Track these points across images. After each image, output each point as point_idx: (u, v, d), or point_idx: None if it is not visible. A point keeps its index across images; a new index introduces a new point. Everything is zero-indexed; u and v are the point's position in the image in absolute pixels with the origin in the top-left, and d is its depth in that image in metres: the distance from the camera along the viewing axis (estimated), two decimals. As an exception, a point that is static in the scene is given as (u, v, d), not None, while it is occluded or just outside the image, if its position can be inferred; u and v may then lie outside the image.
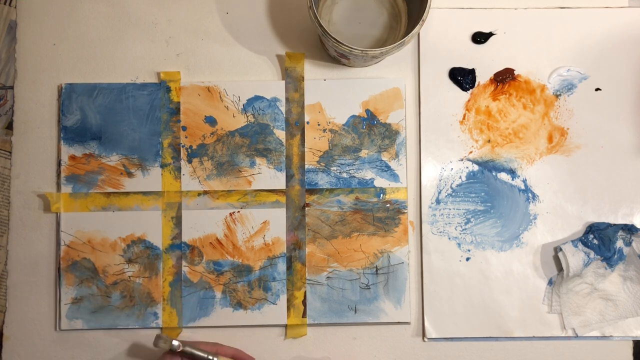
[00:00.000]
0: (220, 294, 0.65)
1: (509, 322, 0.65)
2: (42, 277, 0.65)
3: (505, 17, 0.67)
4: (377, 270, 0.65)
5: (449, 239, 0.65)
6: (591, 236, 0.64)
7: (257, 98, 0.66)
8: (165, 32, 0.67)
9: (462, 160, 0.66)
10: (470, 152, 0.66)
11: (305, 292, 0.65)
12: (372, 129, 0.66)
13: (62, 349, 0.65)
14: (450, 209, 0.66)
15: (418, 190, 0.66)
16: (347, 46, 0.58)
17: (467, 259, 0.65)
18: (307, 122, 0.66)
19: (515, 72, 0.66)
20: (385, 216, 0.65)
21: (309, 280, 0.65)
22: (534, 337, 0.65)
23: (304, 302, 0.65)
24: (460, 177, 0.66)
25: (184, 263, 0.65)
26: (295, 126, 0.66)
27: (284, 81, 0.66)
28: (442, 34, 0.67)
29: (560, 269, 0.65)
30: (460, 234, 0.65)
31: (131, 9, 0.67)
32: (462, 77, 0.66)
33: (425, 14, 0.58)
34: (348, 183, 0.65)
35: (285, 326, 0.65)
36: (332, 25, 0.65)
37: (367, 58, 0.60)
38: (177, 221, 0.65)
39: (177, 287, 0.65)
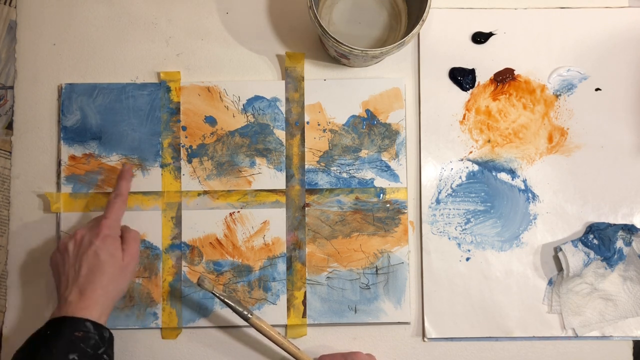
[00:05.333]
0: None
1: (509, 322, 0.65)
2: (42, 277, 0.65)
3: (505, 17, 0.67)
4: (377, 270, 0.65)
5: (449, 239, 0.65)
6: (591, 236, 0.64)
7: (257, 98, 0.66)
8: (165, 32, 0.67)
9: (462, 160, 0.66)
10: (470, 152, 0.66)
11: (305, 292, 0.65)
12: (372, 129, 0.66)
13: (62, 349, 0.64)
14: (450, 209, 0.66)
15: (418, 190, 0.66)
16: (347, 46, 0.58)
17: (467, 259, 0.65)
18: (307, 122, 0.66)
19: (515, 72, 0.66)
20: (385, 216, 0.65)
21: (309, 280, 0.65)
22: (534, 337, 0.65)
23: (304, 302, 0.65)
24: (460, 177, 0.66)
25: (183, 263, 0.65)
26: (295, 126, 0.66)
27: (284, 81, 0.66)
28: (442, 34, 0.67)
29: (560, 269, 0.65)
30: (460, 234, 0.65)
31: (131, 9, 0.67)
32: (462, 77, 0.66)
33: (425, 14, 0.58)
34: (348, 183, 0.65)
35: (285, 326, 0.65)
36: (332, 25, 0.65)
37: (367, 58, 0.60)
38: (177, 221, 0.65)
39: (177, 287, 0.65)
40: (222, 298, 0.59)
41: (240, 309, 0.59)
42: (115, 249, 0.58)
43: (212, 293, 0.59)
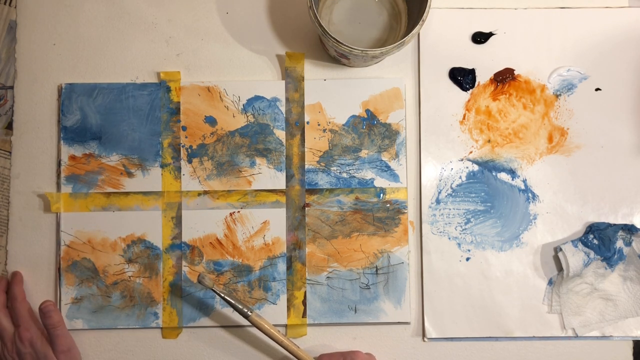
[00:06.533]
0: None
1: (509, 322, 0.65)
2: (42, 277, 0.65)
3: (505, 17, 0.67)
4: (377, 270, 0.65)
5: (449, 239, 0.65)
6: (591, 236, 0.64)
7: (257, 98, 0.66)
8: (165, 32, 0.67)
9: (462, 160, 0.66)
10: (470, 152, 0.66)
11: (305, 292, 0.65)
12: (372, 129, 0.66)
13: (62, 349, 0.65)
14: (450, 209, 0.66)
15: (418, 190, 0.66)
16: (347, 46, 0.58)
17: (467, 259, 0.65)
18: (307, 122, 0.66)
19: (515, 72, 0.66)
20: (385, 216, 0.65)
21: (309, 280, 0.65)
22: (534, 337, 0.65)
23: (304, 302, 0.65)
24: (460, 177, 0.66)
25: (184, 263, 0.65)
26: (295, 126, 0.66)
27: (284, 81, 0.66)
28: (442, 34, 0.67)
29: (560, 269, 0.65)
30: (460, 234, 0.65)
31: (131, 9, 0.67)
32: (462, 77, 0.66)
33: (425, 14, 0.58)
34: (348, 183, 0.65)
35: (286, 326, 0.65)
36: (332, 25, 0.65)
37: (367, 58, 0.60)
38: (177, 221, 0.65)
39: (177, 287, 0.65)
40: (222, 295, 0.59)
41: (240, 307, 0.60)
42: (45, 350, 0.61)
43: (212, 290, 0.59)
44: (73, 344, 0.63)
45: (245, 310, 0.60)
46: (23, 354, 0.61)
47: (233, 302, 0.60)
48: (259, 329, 0.60)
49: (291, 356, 0.62)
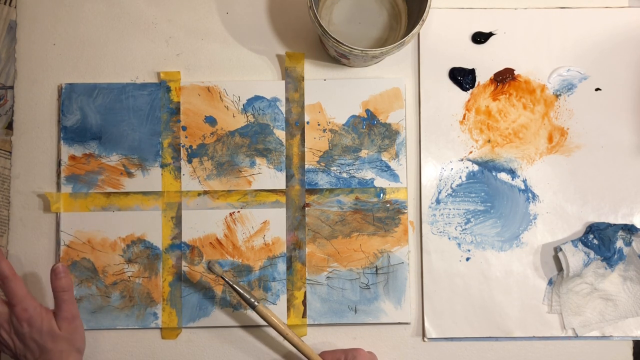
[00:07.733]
0: (220, 293, 0.65)
1: (509, 322, 0.65)
2: (41, 277, 0.65)
3: (505, 17, 0.67)
4: (377, 270, 0.65)
5: (449, 239, 0.65)
6: (591, 236, 0.64)
7: (257, 98, 0.66)
8: (165, 32, 0.67)
9: (462, 160, 0.66)
10: (470, 152, 0.66)
11: (305, 292, 0.65)
12: (372, 129, 0.66)
13: (62, 349, 0.64)
14: (450, 209, 0.66)
15: (418, 190, 0.66)
16: (347, 46, 0.58)
17: (467, 259, 0.65)
18: (307, 122, 0.66)
19: (515, 72, 0.66)
20: (385, 216, 0.65)
21: (309, 280, 0.65)
22: (534, 337, 0.65)
23: (304, 302, 0.65)
24: (460, 177, 0.66)
25: (183, 263, 0.65)
26: (295, 126, 0.66)
27: (284, 81, 0.66)
28: (442, 34, 0.67)
29: (560, 269, 0.65)
30: (460, 234, 0.65)
31: (131, 9, 0.67)
32: (462, 77, 0.66)
33: (425, 14, 0.58)
34: (348, 183, 0.65)
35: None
36: (332, 25, 0.65)
37: (367, 58, 0.60)
38: (177, 221, 0.65)
39: (177, 287, 0.65)
40: (231, 283, 0.60)
41: (248, 296, 0.60)
42: (46, 324, 0.58)
43: (222, 277, 0.60)
44: (78, 314, 0.60)
45: (253, 300, 0.60)
46: (22, 334, 0.58)
47: (241, 291, 0.60)
48: (265, 320, 0.60)
49: (292, 354, 0.62)
